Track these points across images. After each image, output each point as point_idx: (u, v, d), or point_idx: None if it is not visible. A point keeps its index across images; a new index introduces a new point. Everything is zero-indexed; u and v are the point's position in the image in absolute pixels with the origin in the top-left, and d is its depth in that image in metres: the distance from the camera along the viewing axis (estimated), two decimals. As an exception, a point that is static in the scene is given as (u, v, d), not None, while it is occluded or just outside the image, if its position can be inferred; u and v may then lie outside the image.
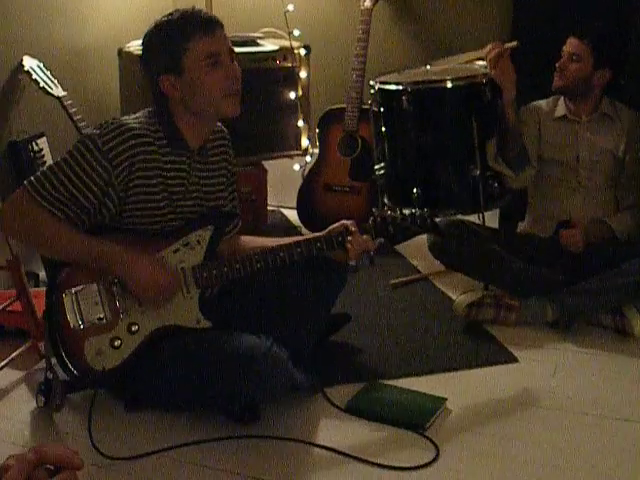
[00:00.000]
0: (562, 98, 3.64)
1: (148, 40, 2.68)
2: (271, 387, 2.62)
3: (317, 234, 2.82)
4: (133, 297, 2.64)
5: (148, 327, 2.66)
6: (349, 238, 2.77)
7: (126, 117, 2.70)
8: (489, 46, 3.48)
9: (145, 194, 2.66)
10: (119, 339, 2.63)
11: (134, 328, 2.65)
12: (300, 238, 2.83)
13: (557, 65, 3.54)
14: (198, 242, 2.71)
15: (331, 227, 2.83)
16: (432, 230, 2.92)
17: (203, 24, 2.61)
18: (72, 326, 2.62)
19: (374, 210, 2.88)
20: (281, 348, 2.67)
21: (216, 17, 2.69)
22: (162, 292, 2.63)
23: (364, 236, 2.80)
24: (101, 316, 2.63)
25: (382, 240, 2.88)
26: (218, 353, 2.61)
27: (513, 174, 3.56)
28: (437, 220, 2.84)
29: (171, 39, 2.61)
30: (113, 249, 2.60)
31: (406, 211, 2.81)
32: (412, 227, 2.82)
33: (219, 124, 2.89)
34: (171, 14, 2.66)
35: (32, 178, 2.61)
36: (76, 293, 2.63)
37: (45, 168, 2.64)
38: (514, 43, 3.47)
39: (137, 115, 2.71)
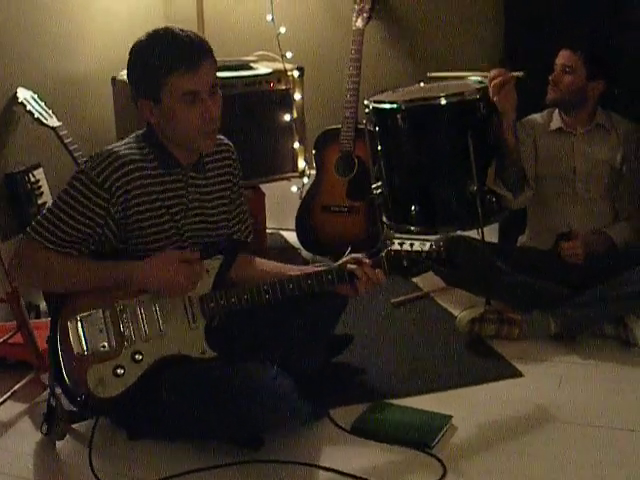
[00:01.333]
0: (557, 111, 3.65)
1: (132, 60, 2.64)
2: (276, 417, 2.61)
3: (327, 267, 2.80)
4: (139, 325, 2.63)
5: (152, 356, 2.64)
6: (360, 271, 2.74)
7: (115, 144, 2.70)
8: (494, 71, 3.48)
9: (147, 219, 2.66)
10: (122, 367, 2.62)
11: (138, 357, 2.63)
12: (310, 269, 2.83)
13: (550, 78, 3.54)
14: (207, 271, 2.70)
15: (342, 259, 2.81)
16: (447, 264, 2.89)
17: (187, 59, 2.55)
18: (76, 353, 2.61)
19: (387, 243, 2.84)
20: (285, 377, 2.66)
21: (204, 45, 2.62)
22: (186, 281, 2.63)
23: (377, 270, 2.77)
24: (105, 344, 2.62)
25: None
26: (223, 384, 2.59)
27: (512, 197, 3.56)
28: (441, 244, 2.79)
29: (152, 69, 2.57)
30: (126, 265, 2.62)
31: (418, 245, 2.77)
32: (427, 262, 2.79)
33: (222, 137, 2.87)
34: (159, 36, 2.60)
35: (33, 224, 2.63)
36: (81, 320, 2.62)
37: (44, 211, 2.65)
38: (521, 73, 3.47)
39: (125, 141, 2.72)
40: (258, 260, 3.01)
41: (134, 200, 2.63)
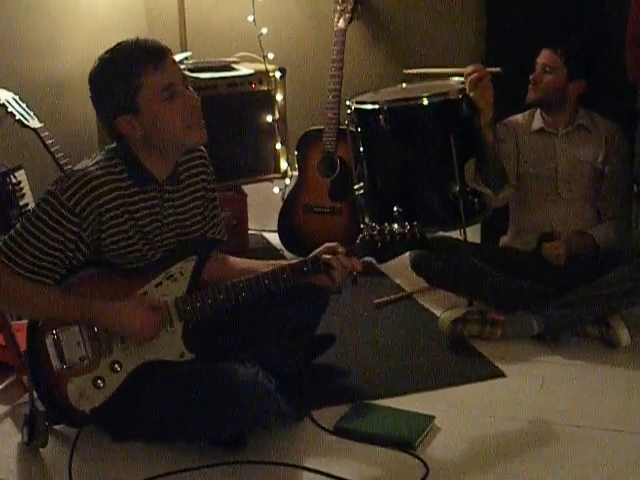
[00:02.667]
0: (538, 111, 3.66)
1: (96, 81, 2.56)
2: (257, 416, 2.60)
3: (301, 258, 2.77)
4: (115, 335, 2.62)
5: (131, 364, 2.63)
6: (335, 260, 2.72)
7: (85, 162, 2.61)
8: (470, 67, 3.49)
9: (120, 240, 2.61)
10: (101, 379, 2.61)
11: (117, 367, 2.62)
12: (284, 263, 2.79)
13: (531, 78, 3.55)
14: (181, 274, 2.67)
15: (316, 250, 2.78)
16: (422, 244, 2.87)
17: (151, 56, 2.50)
18: (55, 368, 2.60)
19: (363, 227, 2.83)
20: (266, 376, 2.66)
21: (162, 44, 2.57)
22: (151, 331, 2.60)
23: (352, 258, 2.74)
24: (83, 356, 2.60)
25: (369, 259, 2.83)
26: (203, 384, 2.59)
27: (492, 194, 3.57)
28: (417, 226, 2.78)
29: (121, 78, 2.49)
30: (93, 306, 2.57)
31: (395, 226, 2.76)
32: (401, 243, 2.77)
33: None
34: (114, 49, 2.54)
35: (1, 246, 2.56)
36: (57, 334, 2.60)
37: (13, 232, 2.57)
38: (497, 69, 3.48)
39: (96, 159, 2.61)
40: (232, 259, 2.97)
41: (106, 223, 2.57)
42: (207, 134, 2.63)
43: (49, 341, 2.60)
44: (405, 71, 3.97)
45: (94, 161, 2.60)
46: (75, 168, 2.59)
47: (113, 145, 2.65)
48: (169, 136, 2.57)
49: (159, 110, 2.52)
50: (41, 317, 2.62)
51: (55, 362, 2.60)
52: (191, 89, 2.62)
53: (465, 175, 3.58)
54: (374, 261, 2.84)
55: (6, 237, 2.57)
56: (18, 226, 2.57)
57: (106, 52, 2.56)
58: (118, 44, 2.55)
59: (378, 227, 2.76)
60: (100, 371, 2.61)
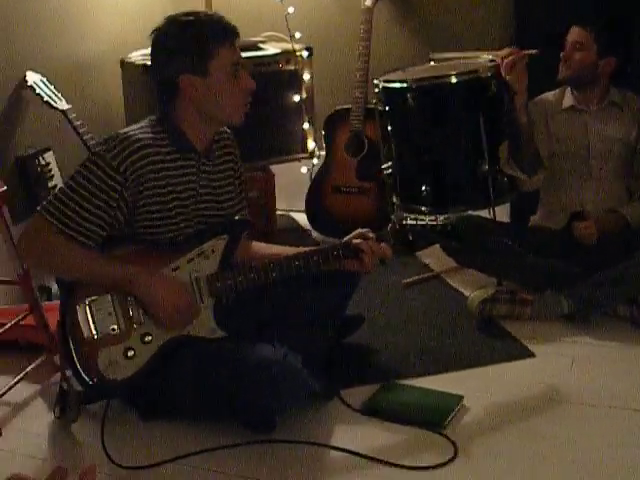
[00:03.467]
0: (569, 89, 3.62)
1: (171, 38, 2.64)
2: (287, 397, 2.61)
3: (333, 244, 2.80)
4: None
5: (162, 337, 2.65)
6: (365, 245, 2.75)
7: (129, 128, 2.69)
8: (506, 50, 3.46)
9: (156, 203, 2.65)
10: (132, 349, 2.62)
11: (147, 338, 2.63)
12: (315, 248, 2.82)
13: (562, 55, 3.52)
14: (213, 251, 2.70)
15: (348, 236, 2.82)
16: (453, 237, 2.88)
17: (229, 32, 2.64)
18: (86, 336, 2.61)
19: (393, 217, 2.84)
20: (296, 357, 2.66)
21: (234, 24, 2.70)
22: (180, 314, 2.62)
23: (382, 244, 2.78)
24: (115, 326, 2.62)
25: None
26: (234, 364, 2.60)
27: (526, 177, 3.54)
28: (449, 218, 2.79)
29: (202, 41, 2.60)
30: (132, 271, 2.59)
31: (426, 218, 2.78)
32: (432, 235, 2.79)
33: None
34: (194, 15, 2.65)
35: (45, 203, 2.61)
36: (90, 303, 2.61)
37: (57, 191, 2.63)
38: (535, 51, 3.44)
39: (140, 125, 2.70)
40: (255, 244, 3.00)
41: (147, 184, 2.62)
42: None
43: (81, 309, 2.61)
44: (431, 56, 3.94)
45: (138, 126, 2.69)
46: (120, 131, 2.66)
47: (155, 116, 2.73)
48: (219, 107, 2.68)
49: (223, 82, 2.64)
50: (80, 277, 2.63)
51: (87, 331, 2.61)
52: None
53: (500, 160, 3.56)
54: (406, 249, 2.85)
55: (51, 196, 2.62)
56: (63, 185, 2.63)
57: (182, 15, 2.65)
58: (196, 13, 2.67)
59: (409, 219, 2.77)
60: (131, 342, 2.62)
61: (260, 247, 3.00)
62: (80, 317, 2.61)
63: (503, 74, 3.44)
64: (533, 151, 3.50)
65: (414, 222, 2.76)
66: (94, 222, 2.58)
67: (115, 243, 2.66)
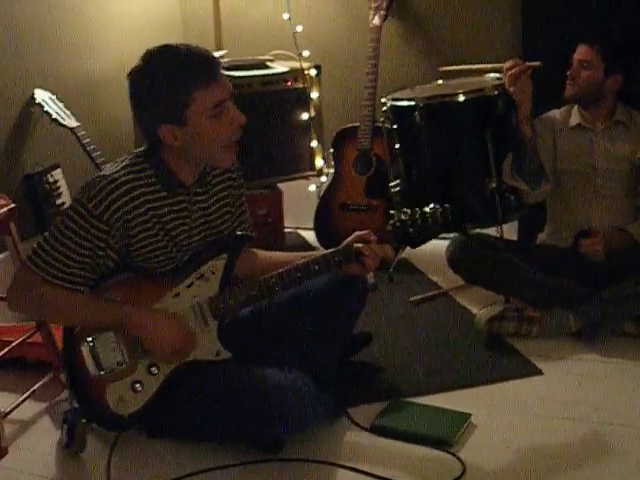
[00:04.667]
0: (575, 107, 3.62)
1: (143, 87, 2.49)
2: (296, 421, 2.59)
3: (333, 249, 2.74)
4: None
5: (168, 367, 2.63)
6: (367, 249, 2.70)
7: (111, 168, 2.58)
8: (510, 61, 3.46)
9: (149, 244, 2.61)
10: (140, 382, 2.61)
11: (154, 370, 2.62)
12: (316, 254, 2.76)
13: (568, 74, 3.52)
14: (212, 272, 2.66)
15: (347, 240, 2.76)
16: (454, 226, 2.83)
17: (207, 70, 2.46)
18: (92, 375, 2.60)
19: (393, 213, 2.79)
20: (303, 378, 2.65)
21: (213, 55, 2.53)
22: (178, 349, 2.60)
23: (384, 245, 2.73)
24: (120, 360, 2.60)
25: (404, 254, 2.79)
26: (243, 388, 2.59)
27: (530, 189, 3.54)
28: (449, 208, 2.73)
29: (173, 89, 2.44)
30: (124, 312, 2.56)
31: (426, 208, 2.71)
32: (433, 225, 2.72)
33: None
34: (165, 54, 2.48)
35: (31, 255, 2.56)
36: (93, 341, 2.59)
37: (42, 240, 2.57)
38: (537, 63, 3.45)
39: (123, 163, 2.59)
40: (262, 253, 2.95)
41: (135, 229, 2.57)
42: (242, 132, 2.60)
43: (85, 349, 2.59)
44: (440, 69, 3.95)
45: (121, 165, 2.58)
46: (101, 174, 2.57)
47: (141, 148, 2.64)
48: (205, 151, 2.56)
49: (205, 126, 2.50)
50: (74, 323, 2.64)
51: (92, 369, 2.59)
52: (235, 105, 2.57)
53: (503, 172, 3.56)
54: (408, 247, 2.80)
55: (35, 245, 2.58)
56: (47, 234, 2.58)
57: (153, 54, 2.49)
58: (167, 49, 2.49)
59: (409, 211, 2.73)
60: (138, 375, 2.61)
61: (266, 256, 2.94)
62: (85, 355, 2.60)
63: (507, 86, 3.45)
64: (536, 163, 3.50)
65: (415, 215, 2.69)
66: (80, 269, 2.55)
67: (112, 273, 2.63)
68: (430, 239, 2.78)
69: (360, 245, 2.71)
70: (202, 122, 2.49)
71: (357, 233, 2.76)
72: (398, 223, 2.73)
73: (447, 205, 2.73)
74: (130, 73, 2.52)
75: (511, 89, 3.44)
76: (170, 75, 2.45)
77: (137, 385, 2.61)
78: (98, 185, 2.51)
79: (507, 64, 3.47)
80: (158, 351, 2.58)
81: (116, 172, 2.55)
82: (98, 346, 2.59)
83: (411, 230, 2.72)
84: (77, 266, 2.54)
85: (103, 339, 2.59)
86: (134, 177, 2.56)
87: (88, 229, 2.51)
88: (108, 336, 2.59)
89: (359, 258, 2.71)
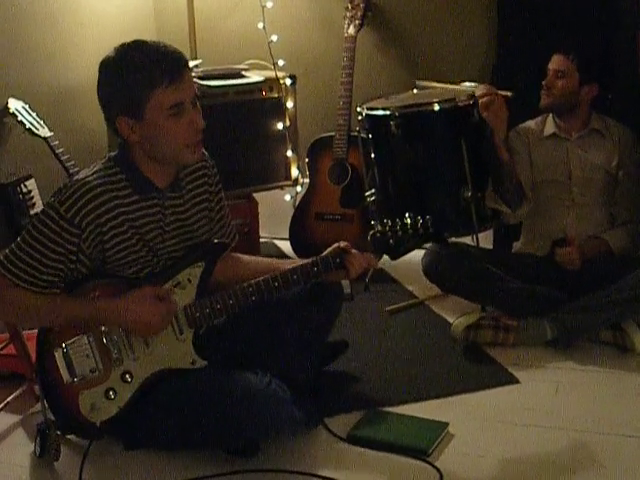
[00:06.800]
0: (550, 116, 3.64)
1: (108, 77, 2.53)
2: (271, 425, 2.58)
3: (312, 258, 2.74)
4: (125, 346, 2.60)
5: (142, 374, 2.62)
6: (347, 258, 2.71)
7: (84, 173, 2.59)
8: (482, 89, 3.49)
9: (123, 249, 2.60)
10: (113, 390, 2.60)
11: (128, 377, 2.61)
12: (296, 263, 2.76)
13: (544, 83, 3.54)
14: (189, 280, 2.66)
15: (326, 251, 2.77)
16: (434, 237, 2.83)
17: (170, 71, 2.46)
18: (65, 381, 2.59)
19: (373, 223, 2.79)
20: (279, 383, 2.64)
21: (182, 55, 2.54)
22: (160, 321, 2.58)
23: (365, 253, 2.74)
24: (93, 367, 2.59)
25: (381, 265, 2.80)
26: (217, 393, 2.58)
27: (511, 211, 3.56)
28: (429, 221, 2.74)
29: (134, 84, 2.46)
30: (99, 303, 2.55)
31: (407, 220, 2.72)
32: (413, 237, 2.73)
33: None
34: (135, 48, 2.50)
35: (2, 259, 2.55)
36: (66, 347, 2.59)
37: (14, 245, 2.55)
38: (508, 93, 3.47)
39: (95, 168, 2.59)
40: (245, 258, 2.95)
41: (108, 233, 2.55)
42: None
43: (58, 354, 2.59)
44: (418, 83, 3.96)
45: (93, 170, 2.59)
46: (74, 178, 2.58)
47: (114, 153, 2.64)
48: (165, 150, 2.56)
49: (162, 125, 2.50)
50: (49, 324, 2.61)
51: (65, 375, 2.59)
52: (199, 107, 2.58)
53: (486, 199, 3.57)
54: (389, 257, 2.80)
55: (7, 250, 2.56)
56: (19, 239, 2.56)
57: (125, 46, 2.52)
58: (136, 42, 2.52)
59: (389, 222, 2.73)
60: (111, 382, 2.60)
61: (249, 261, 2.94)
62: (58, 362, 2.59)
63: (480, 111, 3.46)
64: (516, 185, 3.51)
65: (395, 226, 2.69)
66: (52, 274, 2.54)
67: (90, 279, 2.61)
68: (411, 251, 2.78)
69: (341, 254, 2.72)
70: (159, 120, 2.50)
71: (335, 245, 2.76)
72: (378, 234, 2.73)
73: (428, 216, 2.73)
74: (101, 61, 2.55)
75: (484, 114, 3.45)
76: (134, 69, 2.47)
77: (110, 392, 2.60)
78: (70, 189, 2.51)
79: (478, 91, 3.49)
80: (142, 328, 2.57)
81: (88, 176, 2.56)
82: (71, 353, 2.58)
83: (391, 242, 2.72)
84: (48, 271, 2.53)
85: (77, 345, 2.58)
86: (106, 181, 2.55)
87: (60, 233, 2.50)
88: (82, 342, 2.58)
89: (339, 266, 2.71)
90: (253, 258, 2.98)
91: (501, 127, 3.45)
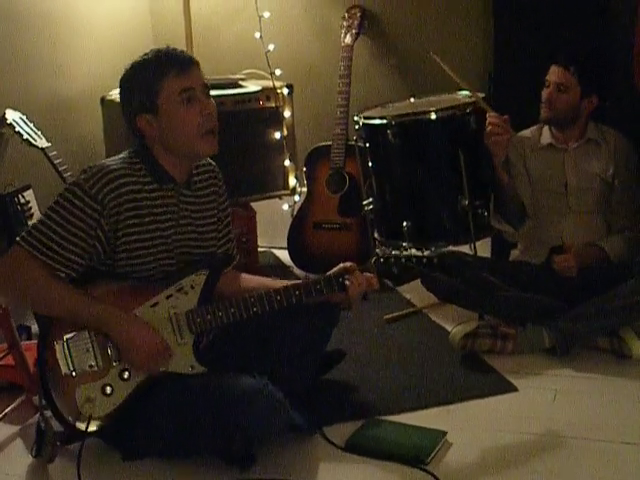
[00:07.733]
0: (546, 126, 3.63)
1: (124, 81, 2.69)
2: (268, 426, 2.58)
3: (316, 278, 2.80)
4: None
5: (140, 375, 2.63)
6: (349, 277, 2.77)
7: (108, 159, 2.71)
8: (495, 118, 3.43)
9: (137, 233, 2.65)
10: (110, 386, 2.61)
11: (126, 375, 2.63)
12: (299, 282, 2.81)
13: (544, 97, 3.51)
14: (192, 287, 2.69)
15: (331, 270, 2.82)
16: (439, 270, 2.88)
17: (178, 62, 2.63)
18: (64, 373, 2.60)
19: (378, 251, 2.85)
20: (277, 389, 2.64)
21: (192, 56, 2.71)
22: (153, 359, 2.61)
23: (366, 273, 2.80)
24: (92, 363, 2.61)
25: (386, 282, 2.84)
26: (214, 395, 2.58)
27: (513, 230, 3.56)
28: (434, 251, 2.79)
29: (146, 78, 2.62)
30: (108, 312, 2.59)
31: (411, 251, 2.78)
32: (417, 268, 2.78)
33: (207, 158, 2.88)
34: (147, 54, 2.67)
35: (23, 234, 2.60)
36: (67, 340, 2.61)
37: (37, 221, 2.63)
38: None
39: (120, 156, 2.72)
40: (245, 276, 3.01)
41: (126, 213, 2.62)
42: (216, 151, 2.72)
43: (59, 346, 2.61)
44: (432, 55, 3.90)
45: (117, 158, 2.71)
46: (99, 162, 2.68)
47: (134, 148, 2.74)
48: (182, 140, 2.66)
49: (175, 111, 2.63)
50: (55, 313, 2.62)
51: (64, 368, 2.61)
52: (211, 99, 2.71)
53: (490, 219, 3.59)
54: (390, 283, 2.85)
55: (30, 226, 2.63)
56: (41, 216, 2.63)
57: (141, 57, 2.68)
58: (151, 50, 2.69)
59: (393, 252, 2.77)
60: (109, 379, 2.62)
61: (247, 279, 2.99)
62: (58, 354, 2.61)
63: (485, 138, 3.44)
64: (517, 205, 3.52)
65: (399, 254, 2.74)
66: (73, 251, 2.58)
67: (94, 280, 2.65)
68: (412, 280, 2.83)
69: (345, 274, 2.78)
70: (173, 109, 2.63)
71: (341, 265, 2.82)
72: (382, 259, 2.78)
73: (433, 249, 2.78)
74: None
75: (487, 141, 3.43)
76: (146, 66, 2.64)
77: (107, 388, 2.61)
78: (94, 169, 2.62)
79: (491, 118, 3.45)
80: (131, 357, 2.60)
81: (113, 161, 2.68)
82: (72, 346, 2.61)
83: (395, 269, 2.78)
84: (68, 247, 2.57)
85: (78, 339, 2.61)
86: (128, 167, 2.67)
87: (82, 208, 2.57)
88: (84, 337, 2.61)
89: (342, 288, 2.77)
90: (251, 276, 3.03)
91: (501, 154, 3.45)
